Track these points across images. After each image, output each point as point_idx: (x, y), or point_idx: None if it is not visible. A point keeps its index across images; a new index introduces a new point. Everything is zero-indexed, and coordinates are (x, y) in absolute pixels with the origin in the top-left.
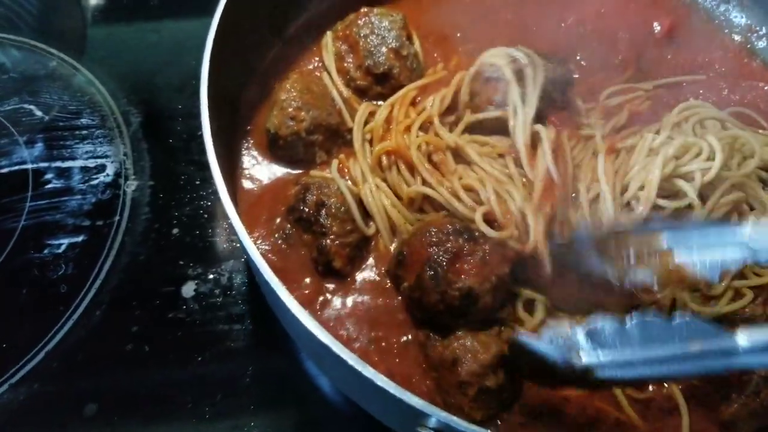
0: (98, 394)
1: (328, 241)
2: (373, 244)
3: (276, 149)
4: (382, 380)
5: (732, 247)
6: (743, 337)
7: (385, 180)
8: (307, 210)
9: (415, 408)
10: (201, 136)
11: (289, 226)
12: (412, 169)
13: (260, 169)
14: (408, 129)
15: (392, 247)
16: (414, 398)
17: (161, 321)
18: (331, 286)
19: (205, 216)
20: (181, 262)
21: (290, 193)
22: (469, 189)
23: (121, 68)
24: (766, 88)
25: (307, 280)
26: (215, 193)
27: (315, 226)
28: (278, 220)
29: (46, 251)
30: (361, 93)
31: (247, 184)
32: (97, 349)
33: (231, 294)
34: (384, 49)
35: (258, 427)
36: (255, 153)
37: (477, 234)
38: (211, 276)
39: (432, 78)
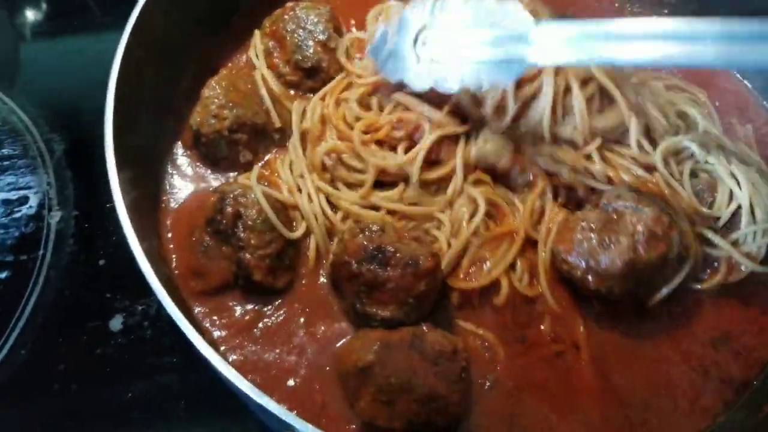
0: None
1: (247, 254)
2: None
3: (199, 146)
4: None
5: None
6: None
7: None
8: (224, 222)
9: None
10: None
11: (208, 238)
12: (358, 155)
13: (188, 171)
14: (344, 119)
15: (332, 249)
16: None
17: (89, 358)
18: (267, 309)
19: None
20: (108, 295)
21: (208, 203)
22: None
23: (42, 94)
24: None
25: (239, 306)
26: None
27: (233, 239)
28: (197, 232)
29: None
30: (294, 87)
31: (174, 189)
32: (23, 389)
33: (159, 325)
34: (311, 43)
35: None
36: (183, 153)
37: (389, 253)
38: (139, 307)
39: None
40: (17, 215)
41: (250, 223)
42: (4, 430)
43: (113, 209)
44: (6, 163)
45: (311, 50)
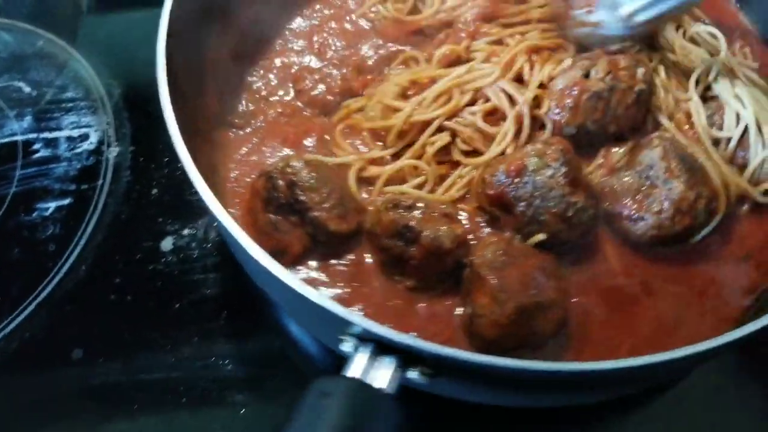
0: (84, 340)
1: (315, 212)
2: None
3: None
4: (305, 290)
5: None
6: None
7: None
8: (282, 195)
9: (338, 316)
10: None
11: (272, 216)
12: None
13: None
14: None
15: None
16: (336, 306)
17: (142, 273)
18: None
19: (182, 177)
20: (160, 220)
21: (258, 187)
22: None
23: (103, 45)
24: None
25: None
26: None
27: (296, 205)
28: (260, 216)
29: (35, 214)
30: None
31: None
32: (83, 299)
33: (206, 247)
34: None
35: (232, 363)
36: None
37: (415, 232)
38: (187, 231)
39: None
40: (78, 150)
41: (306, 184)
42: (66, 334)
43: (166, 146)
44: (70, 104)
45: None
